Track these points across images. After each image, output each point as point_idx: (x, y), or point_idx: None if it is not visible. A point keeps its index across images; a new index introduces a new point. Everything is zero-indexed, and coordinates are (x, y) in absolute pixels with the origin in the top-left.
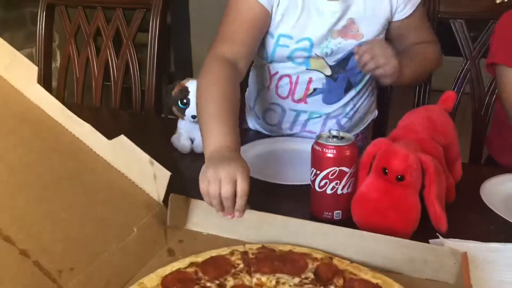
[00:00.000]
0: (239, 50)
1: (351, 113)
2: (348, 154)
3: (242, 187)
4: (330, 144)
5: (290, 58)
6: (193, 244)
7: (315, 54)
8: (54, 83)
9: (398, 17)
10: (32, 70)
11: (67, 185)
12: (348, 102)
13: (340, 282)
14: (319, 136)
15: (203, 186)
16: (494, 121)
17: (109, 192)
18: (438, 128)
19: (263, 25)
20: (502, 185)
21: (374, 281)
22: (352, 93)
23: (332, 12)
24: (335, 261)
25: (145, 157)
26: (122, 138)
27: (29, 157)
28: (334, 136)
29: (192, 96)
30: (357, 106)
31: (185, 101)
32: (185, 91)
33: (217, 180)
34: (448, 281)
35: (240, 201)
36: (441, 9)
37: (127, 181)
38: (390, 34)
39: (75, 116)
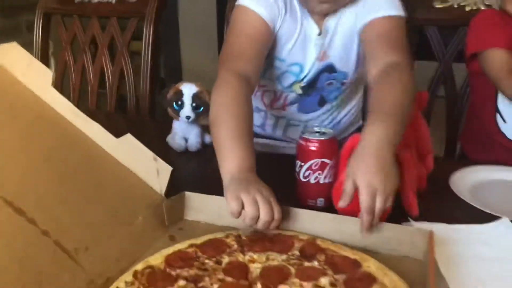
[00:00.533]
0: (250, 67)
1: (330, 124)
2: (329, 147)
3: (278, 209)
4: (313, 138)
5: (278, 79)
6: (192, 231)
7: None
8: None
9: (359, 24)
10: (47, 75)
11: (81, 177)
12: (324, 114)
13: (322, 257)
14: (303, 132)
15: (235, 207)
16: (466, 120)
17: (118, 184)
18: (411, 126)
19: (268, 42)
20: (470, 175)
21: (353, 256)
22: (327, 106)
23: (318, 43)
24: (318, 241)
25: (149, 154)
26: (128, 136)
27: (48, 150)
28: (317, 132)
29: (186, 99)
30: (337, 118)
31: (179, 103)
32: (180, 93)
33: (254, 202)
34: (418, 258)
35: (275, 223)
36: (416, 16)
37: (133, 175)
38: (363, 49)
39: (86, 116)
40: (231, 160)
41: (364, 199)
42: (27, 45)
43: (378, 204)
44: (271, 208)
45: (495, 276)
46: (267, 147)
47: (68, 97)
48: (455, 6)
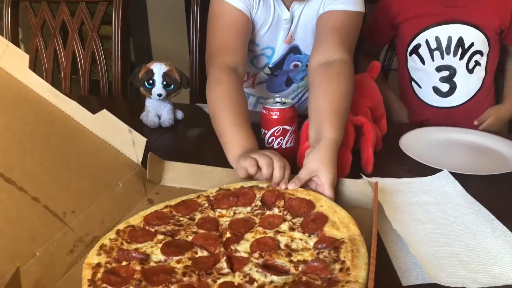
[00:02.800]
0: (237, 58)
1: (297, 103)
2: (289, 115)
3: (285, 162)
4: (274, 107)
5: (251, 61)
6: (168, 195)
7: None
8: None
9: (321, 11)
10: (24, 58)
11: (63, 149)
12: (291, 93)
13: (281, 203)
14: (266, 102)
15: (249, 163)
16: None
17: (97, 155)
18: (366, 93)
19: (249, 31)
20: (417, 136)
21: (307, 197)
22: (293, 86)
23: (286, 28)
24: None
25: (124, 126)
26: (104, 112)
27: (30, 127)
28: (277, 102)
29: (157, 77)
30: (302, 98)
31: (151, 81)
32: (150, 72)
33: (265, 155)
34: (368, 207)
35: (287, 172)
36: None
37: (111, 148)
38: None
39: (63, 95)
40: (234, 146)
41: (329, 194)
42: None
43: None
44: (282, 158)
45: (430, 216)
46: None
47: None
48: None
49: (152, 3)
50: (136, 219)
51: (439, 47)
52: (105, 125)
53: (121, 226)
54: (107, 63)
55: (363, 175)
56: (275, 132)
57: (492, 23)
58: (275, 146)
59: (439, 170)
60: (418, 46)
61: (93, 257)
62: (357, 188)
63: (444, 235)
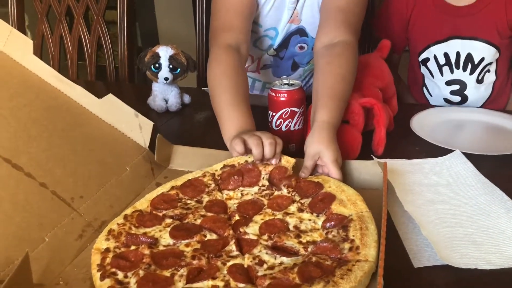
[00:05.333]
0: (239, 37)
1: (305, 87)
2: (297, 96)
3: (276, 139)
4: (282, 89)
5: (255, 43)
6: (176, 178)
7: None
8: None
9: None
10: (28, 44)
11: (69, 134)
12: (297, 78)
13: (291, 183)
14: (273, 84)
15: (239, 144)
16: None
17: (104, 140)
18: (375, 73)
19: (253, 9)
20: (428, 117)
21: (316, 180)
22: (299, 71)
23: (291, 7)
24: (284, 161)
25: (131, 111)
26: (110, 96)
27: (36, 113)
28: (285, 84)
29: (163, 61)
30: (309, 82)
31: (157, 65)
32: (157, 56)
33: (257, 136)
34: (378, 188)
35: (278, 147)
36: None
37: (118, 132)
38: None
39: (68, 80)
40: (230, 125)
41: (335, 171)
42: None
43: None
44: (272, 135)
45: (442, 198)
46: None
47: None
48: None
49: None
50: (143, 204)
51: (448, 63)
52: (111, 110)
53: (128, 211)
54: (114, 48)
55: (374, 157)
56: (283, 114)
57: (501, 29)
58: (283, 128)
59: (451, 151)
60: (426, 60)
61: (101, 242)
62: (366, 169)
63: (456, 216)
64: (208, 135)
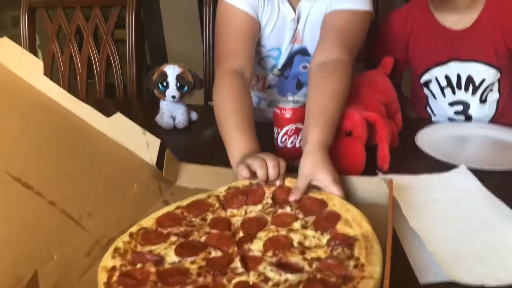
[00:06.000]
0: (243, 61)
1: None
2: (301, 113)
3: (279, 160)
4: (287, 106)
5: (259, 63)
6: (183, 195)
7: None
8: None
9: (329, 9)
10: (38, 65)
11: (78, 153)
12: (302, 96)
13: (294, 205)
14: (278, 101)
15: (243, 169)
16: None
17: (112, 158)
18: (379, 88)
19: (255, 33)
20: (433, 132)
21: (319, 197)
22: (304, 90)
23: (292, 28)
24: (288, 182)
25: (138, 128)
26: (118, 115)
27: (46, 132)
28: (290, 101)
29: (170, 80)
30: None
31: (164, 83)
32: (164, 75)
33: (261, 158)
34: (383, 204)
35: (282, 169)
36: None
37: (126, 150)
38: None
39: (77, 100)
40: (235, 148)
41: (337, 191)
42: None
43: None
44: (275, 157)
45: (447, 214)
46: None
47: None
48: None
49: (166, 5)
50: (149, 221)
51: (449, 85)
52: (119, 128)
53: (134, 229)
54: (123, 66)
55: (379, 172)
56: (288, 131)
57: (499, 51)
58: (289, 145)
59: (456, 166)
60: (428, 81)
61: (107, 261)
62: (372, 185)
63: (462, 232)
64: (215, 151)
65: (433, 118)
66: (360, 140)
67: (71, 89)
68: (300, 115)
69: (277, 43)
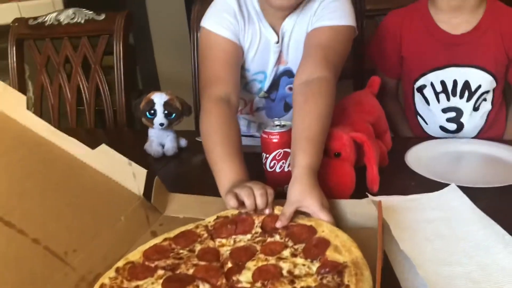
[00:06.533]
0: (228, 87)
1: None
2: (288, 138)
3: (267, 188)
4: (273, 131)
5: (245, 87)
6: (171, 226)
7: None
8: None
9: (309, 29)
10: (21, 99)
11: (63, 187)
12: (290, 118)
13: (283, 232)
14: (265, 126)
15: (231, 199)
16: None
17: (98, 191)
18: (366, 109)
19: (239, 58)
20: (423, 150)
21: (308, 223)
22: (292, 112)
23: (277, 50)
24: (277, 210)
25: (124, 160)
26: (103, 146)
27: (30, 168)
28: (276, 125)
29: (158, 107)
30: None
31: (152, 111)
32: (151, 103)
33: (248, 187)
34: (373, 227)
35: (270, 197)
36: (367, 7)
37: (112, 182)
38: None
39: (62, 133)
40: (224, 178)
41: (325, 217)
42: (3, 71)
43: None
44: (263, 185)
45: (439, 234)
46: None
47: (48, 118)
48: None
49: (156, 31)
50: (135, 255)
51: (444, 90)
52: (105, 160)
53: (120, 263)
54: (113, 93)
55: (369, 194)
56: (276, 156)
57: (498, 58)
58: (278, 170)
59: (447, 185)
60: (423, 86)
61: None
62: (361, 208)
63: (454, 254)
64: (205, 179)
65: (424, 127)
66: (349, 161)
67: (61, 119)
68: (287, 140)
69: (262, 67)
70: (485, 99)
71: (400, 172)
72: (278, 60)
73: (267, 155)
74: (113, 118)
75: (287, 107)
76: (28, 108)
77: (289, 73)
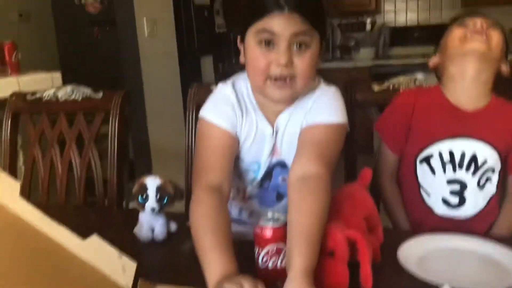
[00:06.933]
0: (221, 177)
1: None
2: (282, 233)
3: (258, 284)
4: (267, 225)
5: (239, 176)
6: None
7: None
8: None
9: (305, 123)
10: (14, 187)
11: (51, 281)
12: (283, 208)
13: None
14: (258, 220)
15: None
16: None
17: (86, 284)
18: (357, 202)
19: (234, 148)
20: (416, 246)
21: None
22: (285, 201)
23: (271, 142)
24: None
25: (114, 252)
26: (94, 237)
27: (17, 260)
28: (270, 219)
29: (150, 192)
30: None
31: (144, 196)
32: (144, 187)
33: (238, 284)
34: None
35: None
36: (357, 98)
37: (100, 274)
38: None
39: (52, 222)
40: (212, 271)
41: None
42: None
43: None
44: (254, 281)
45: None
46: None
47: (37, 191)
48: (391, 88)
49: (151, 102)
50: None
51: (452, 161)
52: (95, 251)
53: None
54: (104, 162)
55: None
56: (270, 251)
57: (504, 140)
58: (270, 265)
59: (440, 285)
60: (430, 156)
61: None
62: None
63: None
64: (193, 268)
65: (426, 199)
66: (342, 260)
67: (50, 193)
68: (281, 235)
69: (256, 157)
70: (490, 179)
71: (392, 270)
72: (272, 152)
73: (260, 250)
74: (103, 191)
75: (280, 197)
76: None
77: (282, 165)
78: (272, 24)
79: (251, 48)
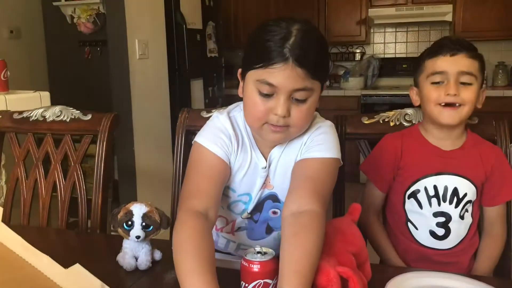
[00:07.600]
0: (208, 202)
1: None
2: (270, 268)
3: None
4: (255, 259)
5: (229, 207)
6: None
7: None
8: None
9: (299, 157)
10: None
11: None
12: (272, 241)
13: None
14: (246, 253)
15: None
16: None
17: None
18: (348, 239)
19: (224, 176)
20: (402, 284)
21: None
22: (274, 234)
23: (264, 175)
24: None
25: (97, 282)
26: (77, 266)
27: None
28: (258, 252)
29: (136, 218)
30: None
31: (129, 223)
32: (130, 214)
33: None
34: None
35: None
36: (347, 130)
37: None
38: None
39: (35, 249)
40: None
41: None
42: None
43: None
44: None
45: None
46: (219, 262)
47: (18, 212)
48: (381, 121)
49: (139, 123)
50: None
51: (436, 195)
52: (77, 281)
53: None
54: (89, 181)
55: None
56: (256, 286)
57: (479, 175)
58: None
59: None
60: (417, 191)
61: None
62: None
63: None
64: None
65: (414, 232)
66: None
67: (32, 214)
68: (269, 270)
69: (248, 189)
70: (467, 210)
71: None
72: (264, 184)
73: (246, 285)
74: (86, 213)
75: (269, 230)
76: None
77: (273, 198)
78: (274, 77)
79: (250, 92)
